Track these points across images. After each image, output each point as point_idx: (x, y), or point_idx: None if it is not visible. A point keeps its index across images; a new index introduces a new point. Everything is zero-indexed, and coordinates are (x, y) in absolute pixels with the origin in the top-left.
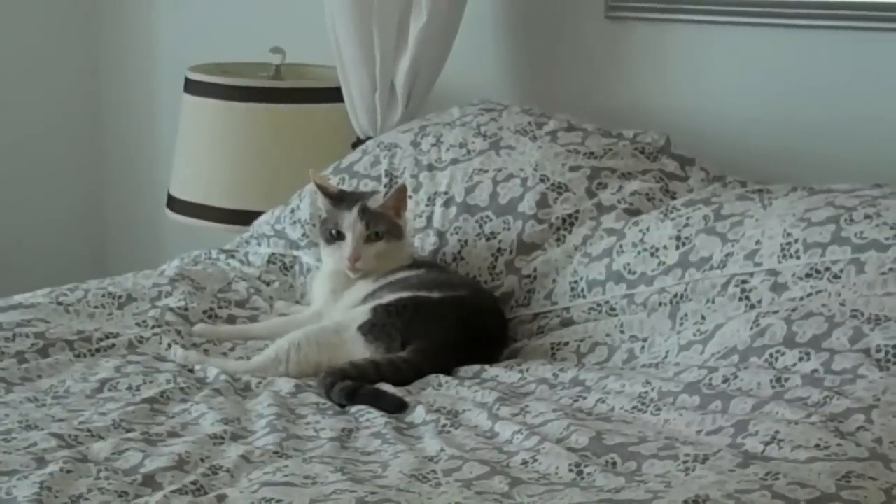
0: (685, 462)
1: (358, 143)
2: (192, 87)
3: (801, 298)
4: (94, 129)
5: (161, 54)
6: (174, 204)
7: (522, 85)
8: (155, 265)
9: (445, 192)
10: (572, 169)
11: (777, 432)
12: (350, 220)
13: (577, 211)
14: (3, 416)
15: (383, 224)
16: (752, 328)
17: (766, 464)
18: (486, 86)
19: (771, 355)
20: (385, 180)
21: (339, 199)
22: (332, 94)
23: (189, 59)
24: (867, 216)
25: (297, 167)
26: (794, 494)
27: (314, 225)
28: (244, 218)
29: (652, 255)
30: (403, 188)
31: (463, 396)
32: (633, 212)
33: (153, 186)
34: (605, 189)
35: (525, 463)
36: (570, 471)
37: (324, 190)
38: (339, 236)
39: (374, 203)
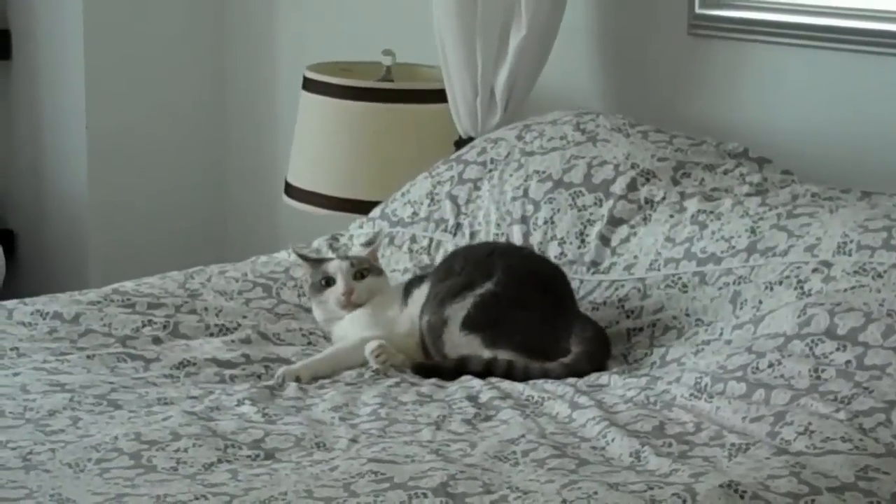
0: (730, 450)
1: (460, 142)
2: (309, 85)
3: (846, 290)
4: (220, 121)
5: (282, 52)
6: (291, 191)
7: (610, 94)
8: (272, 243)
9: (543, 172)
10: (660, 160)
11: (810, 423)
12: (336, 265)
13: (664, 197)
14: (144, 392)
15: (366, 264)
16: (799, 316)
17: (797, 454)
18: (578, 94)
19: (812, 341)
20: (490, 166)
21: (319, 261)
22: (438, 95)
23: (308, 56)
24: None
25: (403, 162)
26: (817, 482)
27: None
28: (353, 206)
29: (725, 240)
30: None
31: (548, 389)
32: (714, 200)
33: (273, 174)
34: (688, 177)
35: (594, 448)
36: (631, 456)
37: (304, 258)
38: (329, 283)
39: (354, 252)
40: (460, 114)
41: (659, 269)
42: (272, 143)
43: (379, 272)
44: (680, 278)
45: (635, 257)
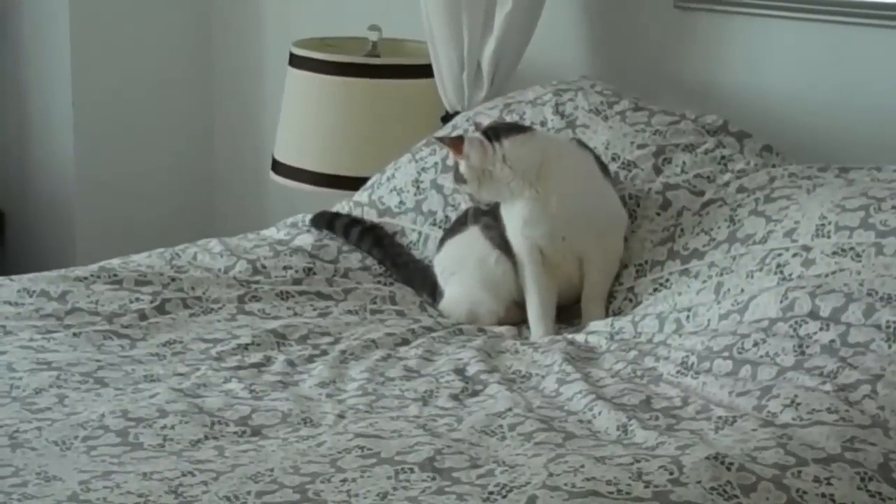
0: (716, 423)
1: (447, 116)
2: (296, 61)
3: (827, 275)
4: (207, 98)
5: (268, 28)
6: (278, 167)
7: (597, 67)
8: (260, 220)
9: None
10: (640, 147)
11: (796, 396)
12: None
13: (648, 190)
14: (130, 370)
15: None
16: (781, 301)
17: (784, 426)
18: (565, 66)
19: (796, 322)
20: None
21: None
22: (424, 70)
23: (294, 32)
24: (893, 207)
25: (390, 137)
26: (804, 454)
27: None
28: (341, 182)
29: (706, 233)
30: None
31: (536, 360)
32: (697, 192)
33: (260, 151)
34: (669, 164)
35: (581, 421)
36: (618, 429)
37: None
38: None
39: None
40: (446, 88)
41: (646, 275)
42: (259, 119)
43: (461, 180)
44: (667, 280)
45: (624, 266)
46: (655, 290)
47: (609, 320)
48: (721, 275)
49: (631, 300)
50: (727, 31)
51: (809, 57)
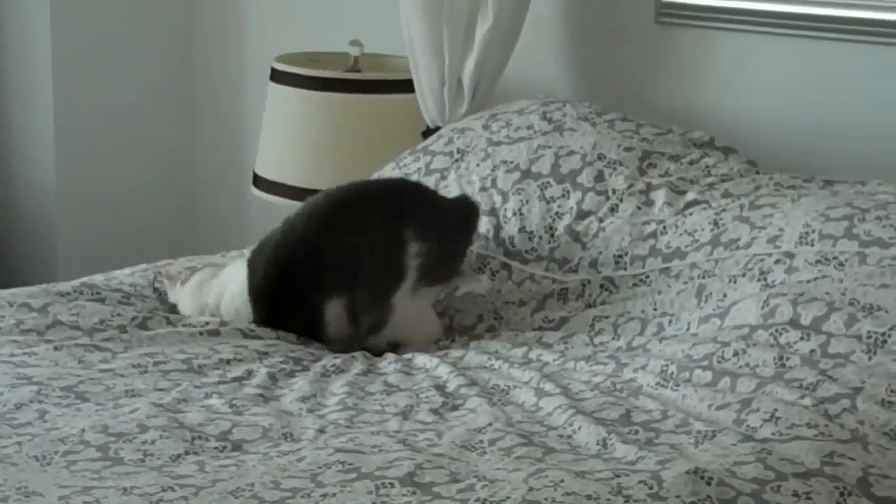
0: (696, 437)
1: (428, 132)
2: (277, 76)
3: (809, 281)
4: (189, 113)
5: (250, 43)
6: (259, 182)
7: (578, 82)
8: (241, 234)
9: (511, 161)
10: (627, 150)
11: (776, 410)
12: None
13: (631, 186)
14: (111, 384)
15: None
16: (763, 307)
17: (763, 441)
18: (545, 83)
19: (777, 331)
20: (457, 156)
21: None
22: (405, 86)
23: (276, 47)
24: (878, 217)
25: (371, 152)
26: (783, 469)
27: None
28: None
29: (689, 234)
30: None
31: (513, 376)
32: (680, 191)
33: (242, 165)
34: (654, 168)
35: (561, 436)
36: (597, 444)
37: None
38: None
39: None
40: (428, 104)
41: (626, 269)
42: (241, 134)
43: None
44: (647, 276)
45: (601, 253)
46: (635, 285)
47: (590, 315)
48: (703, 277)
49: (609, 290)
50: (709, 45)
51: (792, 73)
